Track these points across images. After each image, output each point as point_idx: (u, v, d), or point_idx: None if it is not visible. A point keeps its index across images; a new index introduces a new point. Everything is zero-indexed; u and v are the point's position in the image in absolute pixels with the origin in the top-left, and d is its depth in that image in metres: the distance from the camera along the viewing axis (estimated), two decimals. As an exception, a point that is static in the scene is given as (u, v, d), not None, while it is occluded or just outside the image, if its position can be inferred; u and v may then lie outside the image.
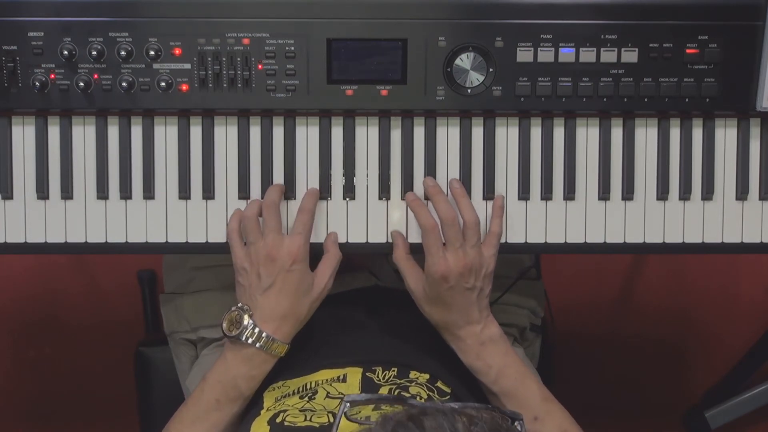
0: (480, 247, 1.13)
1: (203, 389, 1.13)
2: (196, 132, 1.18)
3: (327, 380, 1.12)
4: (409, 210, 1.17)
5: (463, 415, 0.82)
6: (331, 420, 1.01)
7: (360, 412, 0.95)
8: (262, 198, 1.17)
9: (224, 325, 1.12)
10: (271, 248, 1.11)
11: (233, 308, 1.13)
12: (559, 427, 1.13)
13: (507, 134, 1.19)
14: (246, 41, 1.13)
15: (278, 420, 1.03)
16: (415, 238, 1.17)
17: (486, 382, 1.14)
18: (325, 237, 1.18)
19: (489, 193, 1.18)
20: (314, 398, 1.08)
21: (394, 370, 1.13)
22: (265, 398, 1.12)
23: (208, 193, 1.18)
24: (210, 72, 1.14)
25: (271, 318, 1.11)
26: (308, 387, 1.12)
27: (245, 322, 1.11)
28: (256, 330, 1.11)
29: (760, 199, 1.20)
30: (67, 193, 1.17)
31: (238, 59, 1.14)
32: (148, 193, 1.17)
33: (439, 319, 1.14)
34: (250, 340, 1.11)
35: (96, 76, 1.13)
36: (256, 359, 1.12)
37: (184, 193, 1.17)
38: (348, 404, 0.91)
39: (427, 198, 1.17)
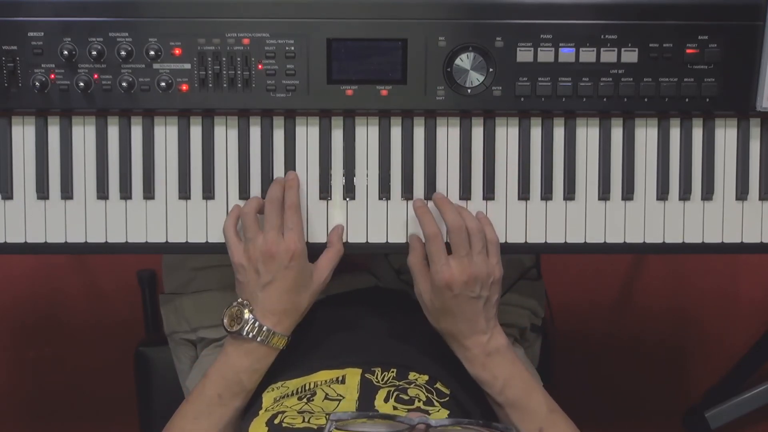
0: (485, 255, 1.13)
1: (205, 385, 1.13)
2: (196, 132, 1.18)
3: (326, 381, 1.12)
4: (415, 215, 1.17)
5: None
6: (329, 422, 1.01)
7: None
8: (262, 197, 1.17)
9: (225, 320, 1.12)
10: (271, 245, 1.11)
11: (234, 304, 1.13)
12: None
13: (507, 134, 1.19)
14: (246, 41, 1.13)
15: (276, 421, 1.03)
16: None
17: (492, 393, 1.13)
18: (329, 231, 1.17)
19: (489, 193, 1.18)
20: (313, 400, 1.08)
21: (393, 372, 1.13)
22: (264, 398, 1.12)
23: (208, 193, 1.18)
24: (210, 72, 1.14)
25: (271, 312, 1.12)
26: (307, 388, 1.12)
27: (246, 317, 1.11)
28: (257, 324, 1.11)
29: (760, 199, 1.20)
30: (67, 193, 1.17)
31: (238, 59, 1.14)
32: (148, 193, 1.17)
33: (445, 329, 1.14)
34: (251, 335, 1.11)
35: (96, 76, 1.13)
36: (258, 353, 1.12)
37: (184, 193, 1.17)
38: (334, 423, 0.92)
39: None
